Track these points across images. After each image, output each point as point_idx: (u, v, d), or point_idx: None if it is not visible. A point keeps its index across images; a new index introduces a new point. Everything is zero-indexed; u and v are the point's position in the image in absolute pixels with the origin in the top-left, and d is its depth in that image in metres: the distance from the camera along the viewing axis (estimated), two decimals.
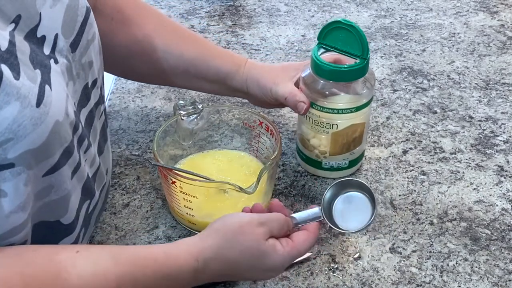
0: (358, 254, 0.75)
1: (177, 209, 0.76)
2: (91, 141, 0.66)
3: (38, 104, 0.51)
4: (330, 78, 0.78)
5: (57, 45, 0.59)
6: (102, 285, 0.56)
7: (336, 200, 0.70)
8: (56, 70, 0.57)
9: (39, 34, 0.56)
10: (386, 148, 0.92)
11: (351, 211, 0.70)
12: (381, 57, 1.14)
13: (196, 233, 0.77)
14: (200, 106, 0.82)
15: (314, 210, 0.69)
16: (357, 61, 0.78)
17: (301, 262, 0.73)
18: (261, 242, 0.64)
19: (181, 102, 0.82)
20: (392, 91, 1.05)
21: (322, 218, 0.68)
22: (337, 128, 0.80)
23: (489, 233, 0.78)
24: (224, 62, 0.85)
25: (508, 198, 0.83)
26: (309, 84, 0.80)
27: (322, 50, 0.80)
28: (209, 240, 0.63)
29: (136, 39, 0.84)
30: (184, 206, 0.75)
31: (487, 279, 0.72)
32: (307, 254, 0.74)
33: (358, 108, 0.79)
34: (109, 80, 1.07)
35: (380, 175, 0.87)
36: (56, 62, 0.58)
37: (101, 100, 0.71)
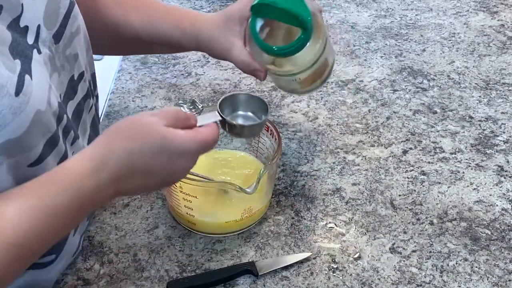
0: (358, 254, 0.75)
1: (177, 209, 0.76)
2: (80, 134, 0.66)
3: (17, 93, 0.51)
4: (277, 55, 0.76)
5: (40, 35, 0.59)
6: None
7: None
8: (38, 60, 0.57)
9: (22, 24, 0.57)
10: (386, 148, 0.92)
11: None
12: (381, 57, 1.14)
13: (196, 233, 0.78)
14: (200, 106, 0.82)
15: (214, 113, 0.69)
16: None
17: (301, 262, 0.73)
18: (158, 126, 0.58)
19: (181, 102, 0.82)
20: (392, 91, 1.05)
21: (222, 118, 0.70)
22: (301, 79, 0.79)
23: (489, 233, 0.78)
24: (171, 27, 0.82)
25: (508, 198, 0.83)
26: (256, 50, 0.77)
27: (260, 22, 0.76)
28: (99, 140, 0.57)
29: (86, 11, 0.78)
30: (184, 206, 0.75)
31: (487, 279, 0.72)
32: (307, 254, 0.74)
33: (313, 64, 0.77)
34: (109, 80, 1.07)
35: (380, 175, 0.87)
36: (39, 52, 0.58)
37: (90, 94, 0.71)
